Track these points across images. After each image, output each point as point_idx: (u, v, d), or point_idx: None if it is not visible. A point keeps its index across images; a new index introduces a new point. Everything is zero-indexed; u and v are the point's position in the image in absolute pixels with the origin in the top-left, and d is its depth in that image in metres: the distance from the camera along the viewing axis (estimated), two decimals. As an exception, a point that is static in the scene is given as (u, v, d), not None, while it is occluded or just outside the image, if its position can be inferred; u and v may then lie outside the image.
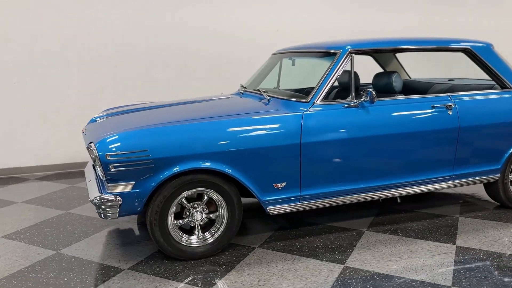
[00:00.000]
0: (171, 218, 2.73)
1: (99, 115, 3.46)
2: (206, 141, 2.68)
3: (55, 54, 5.03)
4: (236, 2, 5.68)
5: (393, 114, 3.09)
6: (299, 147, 2.85)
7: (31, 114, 5.06)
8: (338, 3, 6.09)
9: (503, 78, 3.45)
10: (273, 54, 4.10)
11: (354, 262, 2.76)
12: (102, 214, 2.62)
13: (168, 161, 2.60)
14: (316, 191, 2.98)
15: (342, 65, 3.06)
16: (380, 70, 4.72)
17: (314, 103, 2.96)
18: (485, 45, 3.47)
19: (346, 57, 3.06)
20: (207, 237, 2.85)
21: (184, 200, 2.77)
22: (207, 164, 2.67)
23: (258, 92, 3.46)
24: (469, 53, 3.41)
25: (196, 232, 2.84)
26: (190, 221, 2.82)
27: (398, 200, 3.95)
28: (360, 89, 4.17)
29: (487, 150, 3.40)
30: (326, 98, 3.02)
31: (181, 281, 2.55)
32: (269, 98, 3.22)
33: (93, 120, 3.37)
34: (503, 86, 3.47)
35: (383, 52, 3.21)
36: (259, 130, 2.79)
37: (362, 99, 3.00)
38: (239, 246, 3.02)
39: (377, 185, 3.13)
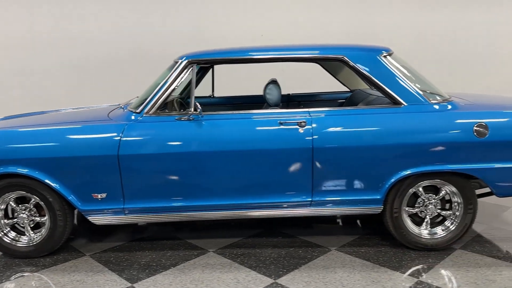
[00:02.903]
0: (-5, 216, 2.95)
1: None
2: (20, 147, 2.82)
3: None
4: (218, 6, 5.65)
5: (227, 129, 2.84)
6: (116, 159, 2.81)
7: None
8: (327, 4, 5.64)
9: (389, 92, 2.87)
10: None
11: (147, 282, 2.64)
12: None
13: (-17, 164, 2.82)
14: (142, 205, 2.91)
15: (181, 76, 2.93)
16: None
17: (144, 114, 2.89)
18: (367, 52, 2.94)
19: (184, 68, 2.92)
20: (25, 240, 2.99)
21: (11, 202, 2.96)
22: (21, 170, 2.81)
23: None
24: (345, 63, 2.92)
25: (27, 233, 3.01)
26: (20, 222, 3.00)
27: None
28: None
29: (361, 177, 2.87)
30: (161, 108, 2.93)
31: (-20, 277, 2.76)
32: (123, 106, 3.23)
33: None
34: (394, 101, 2.90)
35: (229, 63, 2.94)
36: (76, 139, 2.84)
37: (191, 112, 2.84)
38: (75, 252, 3.10)
39: (211, 204, 2.91)
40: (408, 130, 2.81)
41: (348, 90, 4.28)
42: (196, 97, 4.19)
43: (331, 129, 2.82)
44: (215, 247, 3.12)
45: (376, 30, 5.65)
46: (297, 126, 2.82)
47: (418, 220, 3.02)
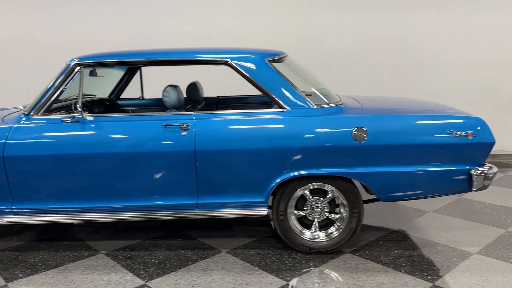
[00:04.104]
0: None
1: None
2: None
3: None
4: (162, 7, 5.68)
5: (109, 131, 2.87)
6: (2, 160, 2.86)
7: None
8: (278, 7, 5.64)
9: (272, 96, 2.88)
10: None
11: (21, 282, 2.68)
12: None
13: None
14: (30, 206, 2.95)
15: (69, 78, 2.96)
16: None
17: (31, 116, 2.94)
18: (252, 56, 2.95)
19: (71, 70, 2.95)
20: None
21: None
22: None
23: None
24: (230, 66, 2.93)
25: None
26: None
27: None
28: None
29: (244, 180, 2.88)
30: (49, 111, 2.96)
31: None
32: (22, 109, 3.27)
33: None
34: (278, 105, 2.90)
35: (116, 65, 2.97)
36: (-36, 141, 2.89)
37: (75, 114, 2.87)
38: (-21, 252, 3.16)
39: (98, 206, 2.94)
40: (288, 134, 2.81)
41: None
42: (126, 99, 4.32)
43: (213, 132, 2.83)
44: (109, 248, 3.15)
45: (322, 34, 5.65)
46: (180, 129, 2.84)
47: (309, 223, 3.03)
